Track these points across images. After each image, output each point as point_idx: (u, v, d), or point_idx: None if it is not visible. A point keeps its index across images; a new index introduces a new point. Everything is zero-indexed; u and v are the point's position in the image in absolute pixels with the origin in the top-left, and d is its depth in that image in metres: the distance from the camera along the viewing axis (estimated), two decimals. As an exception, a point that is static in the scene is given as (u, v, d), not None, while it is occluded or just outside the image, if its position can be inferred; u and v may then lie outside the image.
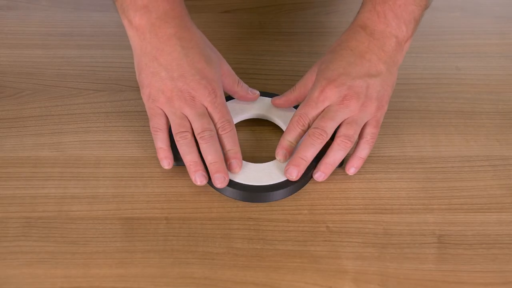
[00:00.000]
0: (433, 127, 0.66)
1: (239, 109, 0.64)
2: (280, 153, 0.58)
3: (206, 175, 0.57)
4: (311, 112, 0.57)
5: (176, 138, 0.57)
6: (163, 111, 0.58)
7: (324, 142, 0.57)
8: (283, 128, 0.63)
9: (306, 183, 0.59)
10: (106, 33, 0.75)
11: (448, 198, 0.59)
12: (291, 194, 0.58)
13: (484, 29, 0.78)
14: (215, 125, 0.57)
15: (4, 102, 0.66)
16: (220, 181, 0.56)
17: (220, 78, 0.59)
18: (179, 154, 0.58)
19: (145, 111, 0.61)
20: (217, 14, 0.78)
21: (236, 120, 0.64)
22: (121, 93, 0.68)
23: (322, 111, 0.57)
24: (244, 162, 0.59)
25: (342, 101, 0.56)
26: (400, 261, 0.54)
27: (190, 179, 0.59)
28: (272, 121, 0.64)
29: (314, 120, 0.58)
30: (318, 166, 0.58)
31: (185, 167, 0.58)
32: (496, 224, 0.57)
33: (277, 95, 0.65)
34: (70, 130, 0.63)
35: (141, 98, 0.66)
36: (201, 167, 0.57)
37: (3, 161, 0.60)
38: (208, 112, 0.57)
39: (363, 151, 0.59)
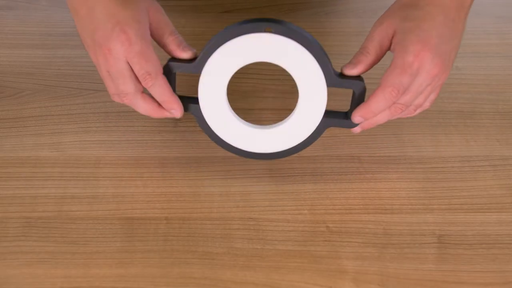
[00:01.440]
0: (433, 127, 0.66)
1: (247, 50, 0.55)
2: (358, 119, 0.55)
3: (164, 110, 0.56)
4: (407, 81, 0.51)
5: (114, 98, 0.55)
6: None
7: None
8: (292, 73, 0.57)
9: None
10: (106, 33, 0.74)
11: (448, 198, 0.59)
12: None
13: (484, 29, 0.78)
14: (138, 78, 0.52)
15: (4, 102, 0.66)
16: (174, 115, 0.56)
17: (141, 21, 0.51)
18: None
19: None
20: (217, 14, 0.78)
21: (241, 64, 0.56)
22: (121, 93, 0.68)
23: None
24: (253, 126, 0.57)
25: (433, 71, 0.51)
26: (400, 261, 0.54)
27: (190, 179, 0.59)
28: (282, 66, 0.57)
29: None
30: (361, 108, 0.54)
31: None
32: (496, 224, 0.57)
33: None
34: (70, 130, 0.63)
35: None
36: (160, 111, 0.55)
37: (3, 161, 0.60)
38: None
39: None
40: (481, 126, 0.66)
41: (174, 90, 0.55)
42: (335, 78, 0.54)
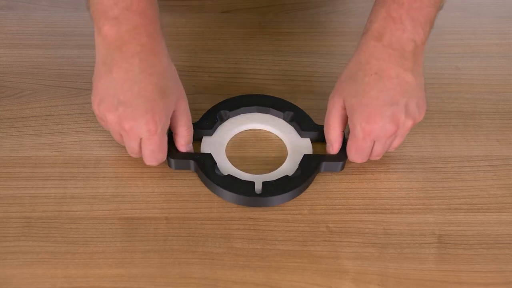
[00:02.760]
0: (433, 127, 0.66)
1: (237, 123, 0.64)
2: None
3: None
4: (366, 152, 0.58)
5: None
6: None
7: None
8: (281, 137, 0.64)
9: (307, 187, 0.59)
10: (106, 33, 0.74)
11: (448, 198, 0.59)
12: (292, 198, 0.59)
13: (484, 29, 0.78)
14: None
15: (4, 102, 0.66)
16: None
17: (169, 114, 0.56)
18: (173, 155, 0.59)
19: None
20: (217, 14, 0.78)
21: (234, 132, 0.64)
22: (121, 93, 0.67)
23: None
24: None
25: (389, 132, 0.55)
26: (400, 261, 0.54)
27: (190, 179, 0.59)
28: (271, 131, 0.65)
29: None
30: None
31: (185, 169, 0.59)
32: (496, 224, 0.57)
33: (274, 96, 0.65)
34: (70, 130, 0.63)
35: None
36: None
37: (3, 161, 0.60)
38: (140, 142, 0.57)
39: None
40: (481, 126, 0.66)
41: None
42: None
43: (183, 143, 0.59)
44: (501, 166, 0.62)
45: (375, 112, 0.55)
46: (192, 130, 0.59)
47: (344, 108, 0.57)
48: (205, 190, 0.59)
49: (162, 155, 0.58)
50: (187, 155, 0.59)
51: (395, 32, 0.54)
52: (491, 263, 0.54)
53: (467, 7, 0.81)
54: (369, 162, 0.61)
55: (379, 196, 0.59)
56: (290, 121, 0.64)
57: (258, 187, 0.57)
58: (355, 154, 0.59)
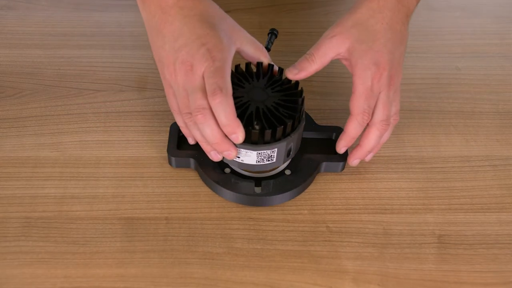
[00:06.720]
0: (433, 127, 0.66)
1: None
2: (343, 150, 0.59)
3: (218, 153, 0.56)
4: (372, 103, 0.56)
5: (183, 118, 0.55)
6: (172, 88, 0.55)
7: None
8: None
9: (309, 185, 0.59)
10: (106, 33, 0.75)
11: (448, 198, 0.59)
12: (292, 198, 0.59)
13: (484, 29, 0.78)
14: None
15: (4, 102, 0.66)
16: (229, 156, 0.54)
17: (228, 45, 0.54)
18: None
19: (144, 111, 0.61)
20: (217, 14, 0.78)
21: None
22: (121, 93, 0.68)
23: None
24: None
25: (390, 82, 0.56)
26: (400, 261, 0.54)
27: (190, 179, 0.59)
28: None
29: None
30: (356, 151, 0.59)
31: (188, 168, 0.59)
32: (496, 224, 0.57)
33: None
34: (70, 130, 0.63)
35: (141, 98, 0.66)
36: (210, 147, 0.55)
37: (3, 161, 0.60)
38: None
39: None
40: (481, 126, 0.66)
41: None
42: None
43: (265, 55, 0.58)
44: (501, 166, 0.62)
45: (383, 59, 0.55)
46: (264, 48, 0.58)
47: (339, 54, 0.57)
48: (205, 190, 0.59)
49: (224, 83, 0.51)
50: (187, 154, 0.59)
51: None
52: (491, 263, 0.54)
53: (467, 7, 0.81)
54: (369, 162, 0.61)
55: (379, 196, 0.59)
56: None
57: (258, 187, 0.57)
58: (363, 116, 0.55)
